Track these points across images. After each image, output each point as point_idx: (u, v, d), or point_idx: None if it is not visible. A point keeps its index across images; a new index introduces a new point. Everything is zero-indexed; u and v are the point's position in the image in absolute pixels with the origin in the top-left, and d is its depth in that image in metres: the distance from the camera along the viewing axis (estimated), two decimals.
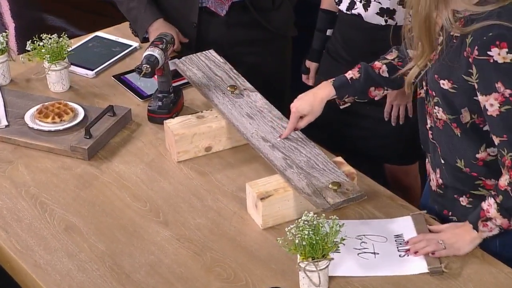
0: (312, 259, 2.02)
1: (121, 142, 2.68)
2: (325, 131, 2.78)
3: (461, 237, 2.17)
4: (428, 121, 2.27)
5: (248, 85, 2.73)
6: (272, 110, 2.61)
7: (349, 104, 2.48)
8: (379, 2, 2.68)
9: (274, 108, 2.62)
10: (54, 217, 2.38)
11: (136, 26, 3.08)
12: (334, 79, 2.45)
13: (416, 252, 2.16)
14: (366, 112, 2.85)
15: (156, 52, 2.64)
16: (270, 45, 3.08)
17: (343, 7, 2.79)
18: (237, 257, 2.22)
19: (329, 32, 2.94)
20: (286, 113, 2.61)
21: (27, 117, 2.73)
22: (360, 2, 2.72)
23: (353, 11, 2.75)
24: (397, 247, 2.19)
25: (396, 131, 2.87)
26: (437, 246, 2.16)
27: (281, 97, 3.03)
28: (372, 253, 2.18)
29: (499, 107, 2.03)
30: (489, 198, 2.12)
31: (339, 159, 2.42)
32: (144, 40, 3.09)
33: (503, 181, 2.08)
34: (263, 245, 2.26)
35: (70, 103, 2.78)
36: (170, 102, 2.73)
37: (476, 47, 2.01)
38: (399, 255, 2.17)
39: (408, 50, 2.27)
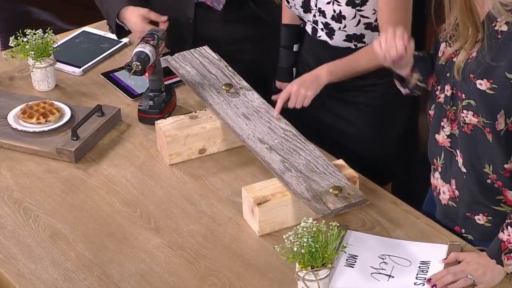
0: (312, 268, 2.03)
1: (110, 144, 2.69)
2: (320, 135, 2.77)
3: (488, 268, 2.12)
4: (447, 128, 2.25)
5: (244, 83, 2.73)
6: (269, 110, 2.61)
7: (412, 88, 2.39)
8: (344, 30, 2.65)
9: (271, 107, 2.62)
10: (38, 224, 2.38)
11: (109, 19, 3.03)
12: None
13: None
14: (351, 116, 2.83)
15: (147, 49, 2.64)
16: (271, 41, 3.08)
17: (308, 30, 2.75)
18: (233, 266, 2.23)
19: (295, 47, 2.89)
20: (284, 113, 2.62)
21: (10, 118, 2.73)
22: (322, 30, 2.69)
23: (318, 37, 2.72)
24: (417, 274, 2.16)
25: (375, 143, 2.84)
26: (466, 282, 2.11)
27: None
28: (387, 275, 2.17)
29: None
30: (508, 227, 2.10)
31: (340, 162, 2.43)
32: (119, 35, 3.04)
33: None
34: (259, 253, 2.26)
35: (56, 103, 2.78)
36: (162, 102, 2.73)
37: None
38: (414, 283, 2.15)
39: (443, 44, 2.25)
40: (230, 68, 2.80)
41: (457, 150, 2.24)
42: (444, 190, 2.32)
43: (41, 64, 2.87)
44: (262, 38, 3.04)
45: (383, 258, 2.22)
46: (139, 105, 2.75)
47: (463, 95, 2.16)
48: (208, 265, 2.23)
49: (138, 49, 2.64)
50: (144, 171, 2.57)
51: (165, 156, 2.59)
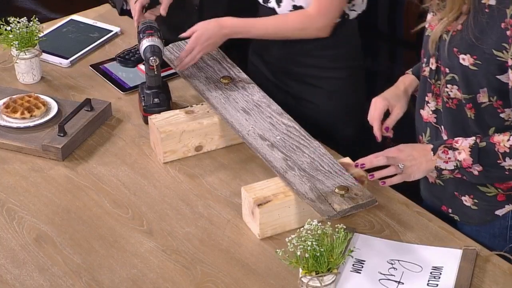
0: (316, 274, 2.04)
1: (100, 141, 2.70)
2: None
3: (417, 161, 2.23)
4: (431, 103, 2.30)
5: (244, 75, 2.74)
6: (271, 105, 2.62)
7: None
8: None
9: (273, 102, 2.63)
10: (23, 226, 2.39)
11: None
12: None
13: (371, 176, 2.28)
14: None
15: (156, 42, 2.65)
16: None
17: None
18: (231, 271, 2.23)
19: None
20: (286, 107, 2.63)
21: None
22: None
23: (269, 4, 2.74)
24: (428, 281, 2.17)
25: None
26: (396, 170, 2.25)
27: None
28: (396, 281, 2.17)
29: None
30: (469, 139, 2.17)
31: (347, 160, 2.44)
32: (122, 12, 3.03)
33: (503, 140, 2.13)
34: (260, 257, 2.27)
35: (41, 96, 2.79)
36: (166, 97, 2.73)
37: None
38: None
39: (430, 14, 2.29)
40: (228, 60, 2.81)
41: (442, 126, 2.29)
42: None
43: (26, 54, 2.88)
44: None
45: (392, 263, 2.23)
46: (144, 106, 2.71)
47: (447, 69, 2.21)
48: (205, 271, 2.24)
49: (147, 43, 2.64)
50: (136, 169, 2.58)
51: (159, 153, 2.60)
